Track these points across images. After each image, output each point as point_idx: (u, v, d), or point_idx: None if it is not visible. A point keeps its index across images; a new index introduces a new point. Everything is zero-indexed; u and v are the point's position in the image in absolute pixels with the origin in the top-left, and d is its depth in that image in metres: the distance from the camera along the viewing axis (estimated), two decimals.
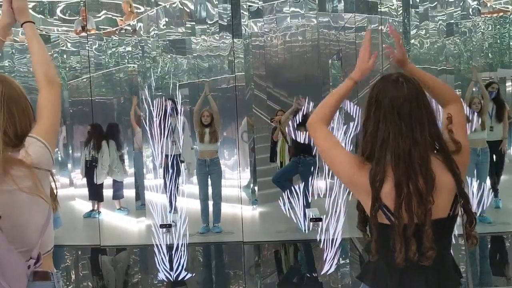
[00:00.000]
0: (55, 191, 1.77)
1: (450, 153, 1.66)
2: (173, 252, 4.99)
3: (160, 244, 5.02)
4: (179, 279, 4.88)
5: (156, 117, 5.21)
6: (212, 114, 6.35)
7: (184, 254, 5.00)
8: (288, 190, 6.13)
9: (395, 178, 1.60)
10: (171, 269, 4.92)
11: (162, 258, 4.98)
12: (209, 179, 6.41)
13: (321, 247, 4.74)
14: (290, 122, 6.37)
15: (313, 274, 4.94)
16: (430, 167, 1.61)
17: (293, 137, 6.36)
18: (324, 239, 4.67)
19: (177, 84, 7.83)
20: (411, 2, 5.99)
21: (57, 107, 1.78)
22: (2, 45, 1.92)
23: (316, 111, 1.90)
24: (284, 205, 5.65)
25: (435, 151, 1.67)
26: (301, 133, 6.14)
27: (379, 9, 6.17)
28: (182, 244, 5.04)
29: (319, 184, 5.27)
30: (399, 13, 6.19)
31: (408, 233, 1.59)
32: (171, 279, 4.87)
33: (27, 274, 1.61)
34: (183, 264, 4.99)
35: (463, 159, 1.70)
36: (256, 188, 7.52)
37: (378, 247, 1.67)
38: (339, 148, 1.81)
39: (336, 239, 4.58)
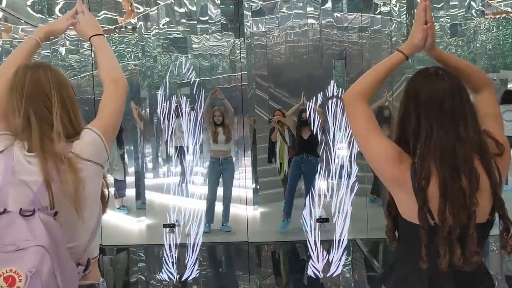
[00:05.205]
0: (106, 192, 1.70)
1: (489, 152, 1.55)
2: (177, 252, 4.95)
3: (164, 244, 4.99)
4: (183, 279, 4.84)
5: (161, 115, 5.21)
6: (223, 113, 6.29)
7: (188, 254, 4.97)
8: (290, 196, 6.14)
9: (439, 177, 1.49)
10: (174, 268, 4.89)
11: (165, 258, 4.94)
12: (221, 178, 6.37)
13: (324, 248, 4.73)
14: (294, 118, 6.35)
15: (319, 276, 4.91)
16: (474, 166, 1.50)
17: (295, 135, 6.35)
18: (331, 240, 4.65)
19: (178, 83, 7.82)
20: (415, 3, 5.97)
21: (120, 107, 1.73)
22: (37, 48, 1.86)
23: (353, 85, 1.68)
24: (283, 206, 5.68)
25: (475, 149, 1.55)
26: (304, 132, 6.13)
27: (382, 10, 6.16)
28: (186, 244, 5.01)
29: (325, 185, 5.23)
30: (402, 14, 6.17)
31: (453, 236, 1.48)
32: (173, 279, 4.83)
33: (77, 281, 1.54)
34: (186, 264, 4.95)
35: (505, 161, 1.58)
36: (257, 187, 7.49)
37: (426, 252, 1.52)
38: (379, 135, 1.60)
39: (342, 240, 4.55)
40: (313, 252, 4.68)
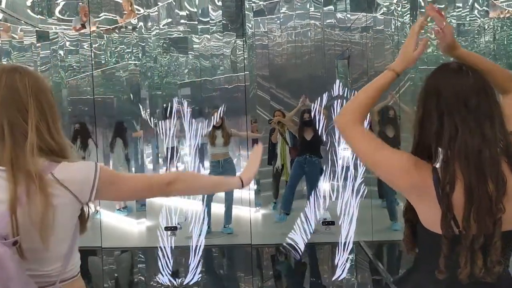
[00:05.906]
0: (86, 210, 1.55)
1: None
2: (178, 254, 4.89)
3: (165, 247, 4.91)
4: (184, 282, 4.77)
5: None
6: (223, 117, 6.22)
7: (190, 256, 4.90)
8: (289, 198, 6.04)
9: (465, 182, 1.38)
10: (175, 272, 4.82)
11: (166, 261, 4.87)
12: None
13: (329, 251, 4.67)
14: (295, 119, 6.29)
15: (324, 279, 4.84)
16: (501, 169, 1.38)
17: (298, 136, 6.28)
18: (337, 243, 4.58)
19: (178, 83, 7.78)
20: (418, 3, 5.92)
21: (143, 196, 1.71)
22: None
23: (342, 110, 1.59)
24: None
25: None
26: (307, 132, 6.06)
27: (385, 10, 6.11)
28: (188, 246, 4.94)
29: (329, 186, 5.15)
30: (405, 14, 6.13)
31: (475, 245, 1.37)
32: (174, 282, 4.76)
33: None
34: (188, 267, 4.89)
35: None
36: (259, 189, 7.43)
37: (445, 263, 1.42)
38: (385, 149, 1.51)
39: (348, 243, 4.47)
40: (317, 254, 4.62)
